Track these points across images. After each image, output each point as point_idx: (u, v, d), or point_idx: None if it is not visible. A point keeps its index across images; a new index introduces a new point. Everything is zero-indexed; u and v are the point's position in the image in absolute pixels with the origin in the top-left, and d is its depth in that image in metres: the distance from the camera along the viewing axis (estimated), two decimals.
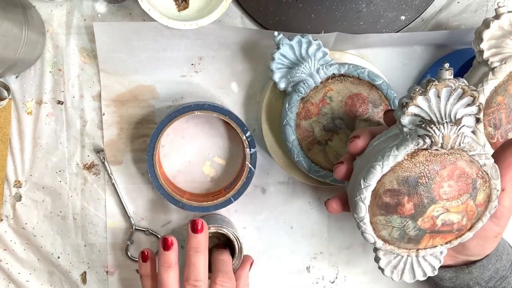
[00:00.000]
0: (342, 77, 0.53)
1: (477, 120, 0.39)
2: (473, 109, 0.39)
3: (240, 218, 0.61)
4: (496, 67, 0.50)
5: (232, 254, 0.57)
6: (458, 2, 0.60)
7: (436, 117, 0.39)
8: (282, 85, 0.53)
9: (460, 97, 0.38)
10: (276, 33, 0.52)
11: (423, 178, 0.40)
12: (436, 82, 0.38)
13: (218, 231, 0.56)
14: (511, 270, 0.49)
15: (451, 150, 0.40)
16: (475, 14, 0.60)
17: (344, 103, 0.53)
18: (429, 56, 0.60)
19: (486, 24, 0.50)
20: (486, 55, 0.50)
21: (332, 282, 0.63)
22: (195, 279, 0.50)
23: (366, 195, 0.42)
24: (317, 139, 0.54)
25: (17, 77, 0.58)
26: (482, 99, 0.50)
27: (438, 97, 0.38)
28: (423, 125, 0.39)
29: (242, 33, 0.56)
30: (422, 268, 0.45)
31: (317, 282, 0.63)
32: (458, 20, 0.60)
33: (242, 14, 0.58)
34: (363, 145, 0.44)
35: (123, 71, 0.58)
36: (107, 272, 0.61)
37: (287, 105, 0.53)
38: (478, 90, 0.39)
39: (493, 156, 0.43)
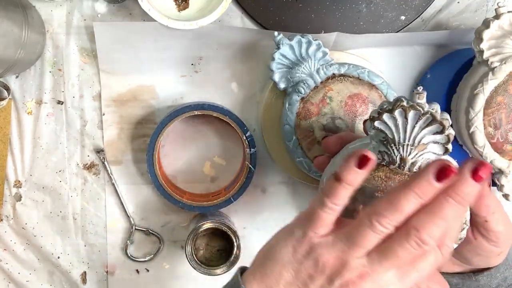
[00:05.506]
0: (342, 77, 0.53)
1: (446, 150, 0.38)
2: (441, 137, 0.38)
3: (240, 218, 0.61)
4: (496, 67, 0.49)
5: (230, 248, 0.56)
6: (458, 2, 0.59)
7: (399, 137, 0.38)
8: (282, 85, 0.53)
9: (429, 123, 0.37)
10: (276, 33, 0.52)
11: (380, 192, 0.40)
12: (404, 103, 0.37)
13: (216, 225, 0.56)
14: None
15: (412, 173, 0.39)
16: (475, 14, 0.60)
17: (344, 103, 0.53)
18: (429, 56, 0.60)
19: (486, 24, 0.50)
20: (486, 55, 0.50)
21: None
22: (430, 236, 0.33)
23: None
24: (317, 139, 0.54)
25: (17, 77, 0.58)
26: (482, 99, 0.50)
27: (406, 118, 0.38)
28: (384, 142, 0.39)
29: (242, 33, 0.56)
30: None
31: None
32: (458, 20, 0.60)
33: (242, 14, 0.58)
34: (326, 162, 0.46)
35: (123, 71, 0.58)
36: (107, 272, 0.61)
37: (287, 105, 0.53)
38: (448, 119, 0.38)
39: None
